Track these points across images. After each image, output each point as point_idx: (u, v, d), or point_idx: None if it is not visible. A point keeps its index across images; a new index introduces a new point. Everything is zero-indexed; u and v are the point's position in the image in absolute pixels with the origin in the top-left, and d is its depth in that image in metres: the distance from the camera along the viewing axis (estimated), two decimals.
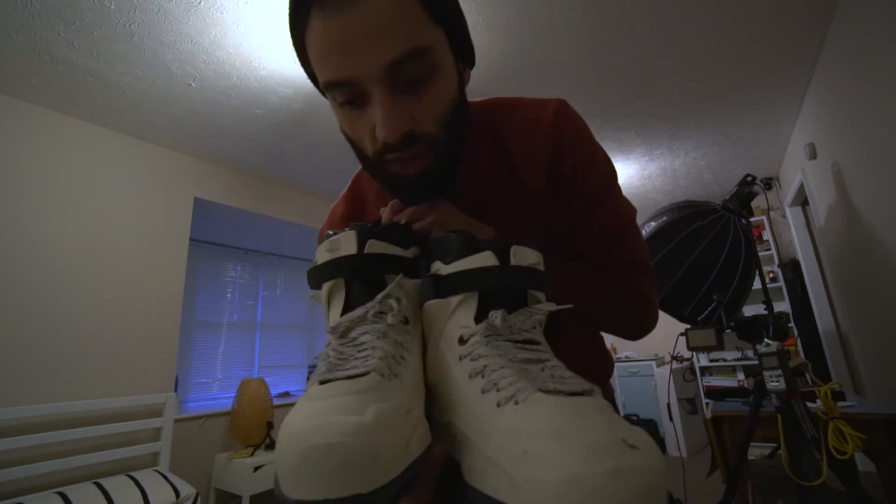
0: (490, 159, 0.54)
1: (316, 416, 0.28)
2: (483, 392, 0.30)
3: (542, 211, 0.55)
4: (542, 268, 0.37)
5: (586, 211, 0.54)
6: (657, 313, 0.62)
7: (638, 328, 0.61)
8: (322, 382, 0.31)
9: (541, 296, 0.37)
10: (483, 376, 0.31)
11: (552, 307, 0.36)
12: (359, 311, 0.38)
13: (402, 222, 0.46)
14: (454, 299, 0.37)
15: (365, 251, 0.38)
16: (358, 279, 0.39)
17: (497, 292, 0.36)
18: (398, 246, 0.39)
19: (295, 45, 0.43)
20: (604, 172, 0.55)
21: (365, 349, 0.36)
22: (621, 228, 0.56)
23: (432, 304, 0.38)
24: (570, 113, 0.54)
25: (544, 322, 0.37)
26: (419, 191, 0.46)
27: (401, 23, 0.37)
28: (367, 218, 0.61)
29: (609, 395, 0.71)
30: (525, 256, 0.36)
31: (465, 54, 0.47)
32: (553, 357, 0.33)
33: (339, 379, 0.31)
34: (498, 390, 0.29)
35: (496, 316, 0.34)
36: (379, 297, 0.37)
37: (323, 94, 0.44)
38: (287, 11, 0.42)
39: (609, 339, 3.87)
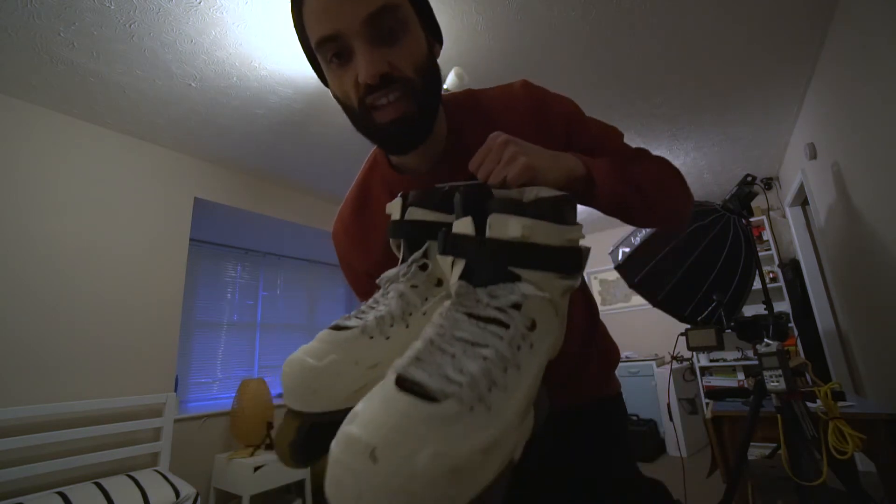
0: (475, 128, 0.58)
1: (302, 351, 0.39)
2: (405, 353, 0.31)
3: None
4: (534, 240, 0.33)
5: (596, 140, 0.62)
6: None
7: (686, 208, 0.66)
8: (332, 328, 0.41)
9: (533, 274, 0.33)
10: (418, 339, 0.31)
11: (533, 291, 0.32)
12: (392, 271, 0.44)
13: (447, 188, 0.47)
14: (448, 260, 0.36)
15: (405, 218, 0.44)
16: (405, 240, 0.45)
17: (475, 262, 0.34)
18: (441, 211, 0.44)
19: (295, 24, 0.54)
20: (579, 108, 0.65)
21: (378, 306, 0.42)
22: (612, 135, 0.65)
23: (441, 260, 0.39)
24: (533, 84, 0.64)
25: (532, 303, 0.32)
26: (399, 136, 0.51)
27: None
28: (372, 211, 0.65)
29: (615, 386, 0.74)
30: (506, 228, 0.33)
31: (432, 29, 0.55)
32: (500, 346, 0.29)
33: (340, 328, 0.40)
34: (400, 356, 0.30)
35: (456, 286, 0.34)
36: (409, 260, 0.43)
37: (321, 77, 0.55)
38: None
39: None
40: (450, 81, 1.99)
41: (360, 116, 0.50)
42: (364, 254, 0.66)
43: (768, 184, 3.78)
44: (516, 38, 1.97)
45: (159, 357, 2.48)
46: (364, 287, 0.68)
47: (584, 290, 0.72)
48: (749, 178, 1.92)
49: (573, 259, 0.34)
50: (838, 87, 2.08)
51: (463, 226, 0.35)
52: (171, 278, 2.61)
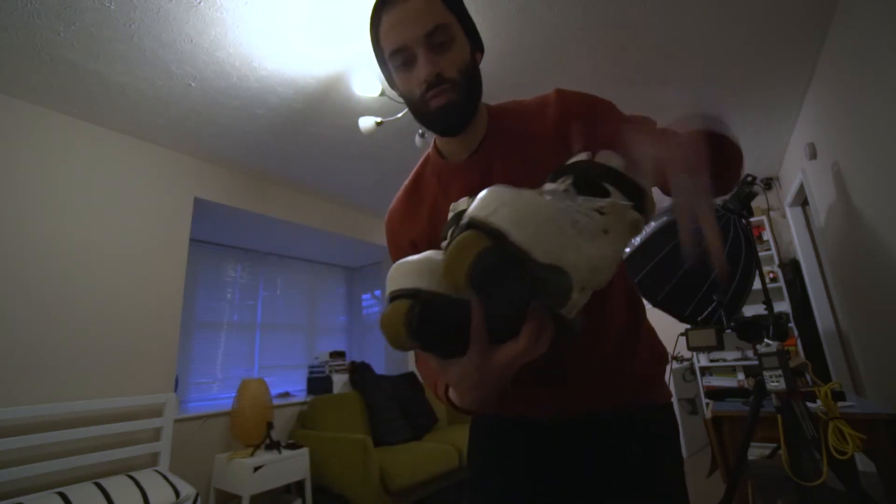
0: (510, 128, 0.71)
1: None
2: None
3: (565, 151, 0.65)
4: (627, 172, 0.47)
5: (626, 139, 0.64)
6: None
7: (739, 167, 0.65)
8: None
9: (617, 194, 0.46)
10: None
11: (613, 202, 0.46)
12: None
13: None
14: (557, 181, 0.49)
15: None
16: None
17: (582, 175, 0.48)
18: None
19: (373, 41, 0.69)
20: (610, 104, 0.73)
21: None
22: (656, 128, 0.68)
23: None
24: (565, 90, 0.72)
25: (610, 213, 0.45)
26: (446, 118, 0.66)
27: (430, 9, 0.62)
28: (421, 193, 0.78)
29: (664, 395, 0.71)
30: (610, 160, 0.48)
31: (474, 39, 0.69)
32: (584, 208, 0.44)
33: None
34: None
35: (562, 185, 0.47)
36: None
37: (391, 81, 0.71)
38: (369, 21, 0.68)
39: None
40: None
41: (420, 105, 0.66)
42: (412, 223, 0.78)
43: (768, 184, 3.78)
44: (516, 38, 1.97)
45: (159, 357, 2.48)
46: (403, 248, 0.81)
47: (629, 290, 0.72)
48: (749, 178, 1.92)
49: (642, 200, 0.47)
50: (838, 88, 2.08)
51: (578, 157, 0.49)
52: (171, 278, 2.61)
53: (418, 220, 0.76)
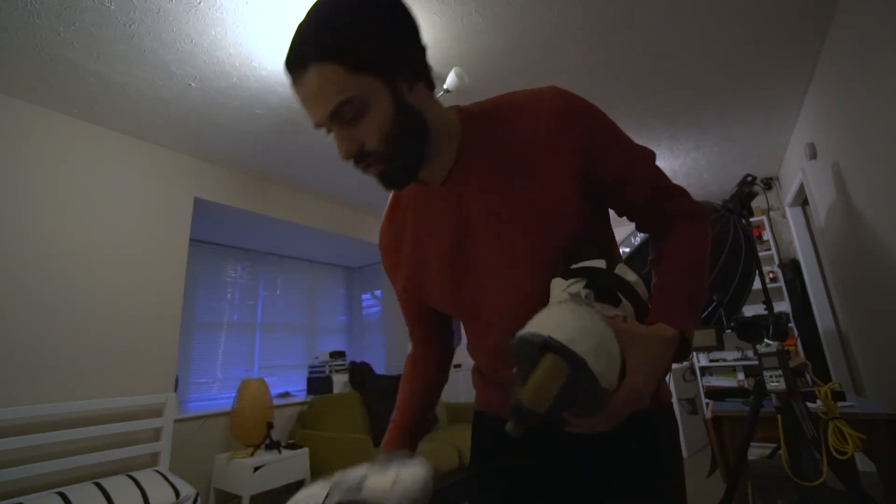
0: (489, 133, 0.64)
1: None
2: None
3: (560, 178, 0.61)
4: (639, 290, 0.55)
5: (628, 167, 0.63)
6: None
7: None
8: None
9: (627, 305, 0.54)
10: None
11: (622, 313, 0.53)
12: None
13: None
14: (571, 280, 0.55)
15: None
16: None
17: (597, 285, 0.54)
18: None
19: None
20: (617, 129, 0.64)
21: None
22: (657, 171, 0.65)
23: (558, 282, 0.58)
24: (566, 91, 0.63)
25: (619, 320, 0.53)
26: (390, 184, 0.62)
27: (326, 88, 0.53)
28: (402, 220, 0.74)
29: (664, 397, 0.71)
30: (627, 274, 0.55)
31: (407, 76, 0.57)
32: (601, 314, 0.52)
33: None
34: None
35: (584, 292, 0.52)
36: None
37: None
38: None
39: None
40: (450, 81, 1.99)
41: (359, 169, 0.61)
42: (397, 259, 0.75)
43: (768, 184, 3.78)
44: (516, 38, 1.97)
45: (159, 357, 2.48)
46: (406, 305, 0.81)
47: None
48: (749, 178, 1.92)
49: (645, 312, 0.57)
50: (838, 88, 2.08)
51: (596, 263, 0.55)
52: (171, 278, 2.61)
53: (402, 256, 0.73)
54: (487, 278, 0.65)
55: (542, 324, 0.46)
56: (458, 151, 0.64)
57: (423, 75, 0.59)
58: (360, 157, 0.57)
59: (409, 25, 0.57)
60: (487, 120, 0.64)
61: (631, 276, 0.54)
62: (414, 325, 0.84)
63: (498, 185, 0.62)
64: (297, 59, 0.53)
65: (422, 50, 0.58)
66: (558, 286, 0.55)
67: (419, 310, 0.80)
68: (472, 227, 0.64)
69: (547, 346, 0.44)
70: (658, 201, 0.65)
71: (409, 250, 0.72)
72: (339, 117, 0.54)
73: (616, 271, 0.54)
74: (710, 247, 0.68)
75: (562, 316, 0.47)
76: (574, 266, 0.56)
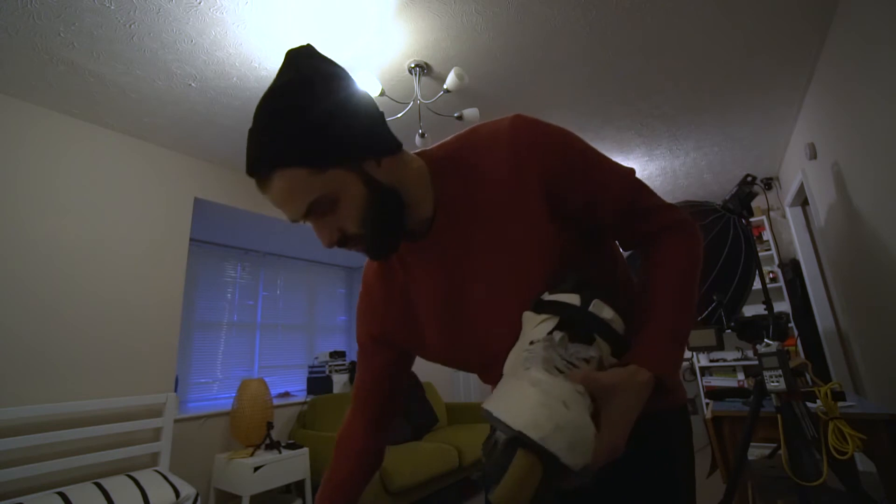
0: (457, 185, 0.63)
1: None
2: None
3: (532, 215, 0.59)
4: (615, 326, 0.52)
5: (594, 189, 0.60)
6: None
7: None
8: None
9: (603, 344, 0.51)
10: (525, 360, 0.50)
11: (598, 353, 0.51)
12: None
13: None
14: (543, 316, 0.53)
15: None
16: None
17: (570, 324, 0.52)
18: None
19: None
20: (581, 150, 0.61)
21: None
22: (634, 194, 0.62)
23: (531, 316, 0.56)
24: (524, 119, 0.61)
25: (597, 363, 0.51)
26: (377, 257, 0.61)
27: (294, 191, 0.53)
28: (397, 280, 0.72)
29: (681, 394, 0.70)
30: (602, 310, 0.52)
31: (375, 154, 0.57)
32: (576, 382, 0.48)
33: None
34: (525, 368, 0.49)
35: (557, 335, 0.50)
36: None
37: None
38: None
39: None
40: (450, 81, 1.99)
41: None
42: (392, 309, 0.73)
43: (768, 184, 3.78)
44: (516, 38, 1.97)
45: (159, 357, 2.48)
46: (365, 345, 0.78)
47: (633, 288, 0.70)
48: (749, 178, 1.92)
49: (623, 347, 0.54)
50: (838, 88, 2.08)
51: (570, 298, 0.53)
52: (171, 278, 2.61)
53: (394, 309, 0.72)
54: (488, 325, 0.64)
55: (514, 413, 0.44)
56: (434, 205, 0.63)
57: (387, 146, 0.58)
58: (343, 242, 0.58)
59: (361, 106, 0.56)
60: (454, 166, 0.63)
61: (607, 313, 0.52)
62: (367, 390, 0.79)
63: (476, 234, 0.62)
64: (258, 167, 0.52)
65: (381, 123, 0.57)
66: (530, 321, 0.54)
67: (384, 373, 0.77)
68: (461, 279, 0.64)
69: (518, 441, 0.43)
70: (634, 219, 0.62)
71: (402, 304, 0.71)
72: (313, 214, 0.55)
73: (591, 308, 0.52)
74: (706, 251, 0.66)
75: (532, 409, 0.43)
76: (547, 298, 0.54)
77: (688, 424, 0.69)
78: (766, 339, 1.48)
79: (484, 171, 0.61)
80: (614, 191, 0.60)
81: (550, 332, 0.50)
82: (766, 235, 3.77)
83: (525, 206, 0.59)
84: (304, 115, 0.52)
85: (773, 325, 1.48)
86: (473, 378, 4.71)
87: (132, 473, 2.06)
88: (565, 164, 0.59)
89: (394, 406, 0.82)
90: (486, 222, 0.61)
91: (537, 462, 0.42)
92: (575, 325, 0.51)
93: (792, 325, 3.31)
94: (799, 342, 3.26)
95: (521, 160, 0.58)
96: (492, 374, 0.67)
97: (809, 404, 1.41)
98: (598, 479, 0.62)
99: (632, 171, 0.63)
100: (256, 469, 2.43)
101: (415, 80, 2.14)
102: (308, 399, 3.29)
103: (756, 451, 2.68)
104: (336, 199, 0.54)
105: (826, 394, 1.41)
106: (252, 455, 2.55)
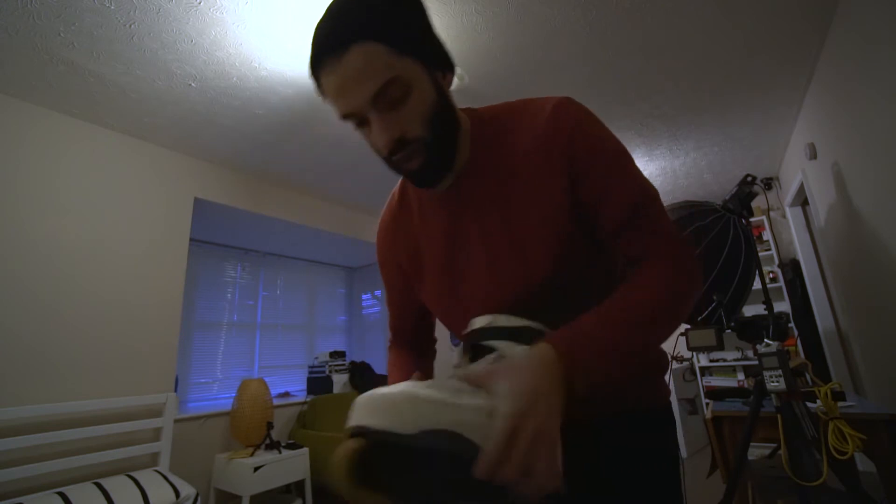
0: (493, 145, 0.62)
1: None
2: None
3: (549, 196, 0.59)
4: (526, 326, 0.54)
5: (606, 186, 0.58)
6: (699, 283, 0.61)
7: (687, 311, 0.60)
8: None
9: (515, 347, 0.51)
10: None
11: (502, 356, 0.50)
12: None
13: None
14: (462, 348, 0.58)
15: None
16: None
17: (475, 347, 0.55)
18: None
19: (320, 94, 0.57)
20: (613, 149, 0.59)
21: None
22: (644, 199, 0.58)
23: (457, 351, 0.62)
24: (571, 102, 0.60)
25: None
26: (423, 179, 0.59)
27: (371, 67, 0.50)
28: (409, 213, 0.72)
29: (664, 393, 0.69)
30: (502, 321, 0.55)
31: (439, 65, 0.57)
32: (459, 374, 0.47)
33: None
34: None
35: (462, 362, 0.54)
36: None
37: None
38: (311, 75, 0.56)
39: None
40: None
41: (389, 165, 0.58)
42: (398, 245, 0.73)
43: (768, 184, 3.78)
44: (516, 38, 1.97)
45: (159, 357, 2.48)
46: (394, 281, 0.77)
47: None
48: (749, 178, 1.92)
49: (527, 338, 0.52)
50: (838, 88, 2.08)
51: (482, 321, 0.58)
52: (171, 278, 2.61)
53: (406, 255, 0.72)
54: (478, 286, 0.64)
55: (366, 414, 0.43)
56: (465, 160, 0.63)
57: (451, 64, 0.59)
58: (402, 146, 0.54)
59: (429, 16, 0.57)
60: (493, 127, 0.63)
61: (513, 321, 0.53)
62: (401, 317, 0.82)
63: (494, 200, 0.61)
64: (336, 41, 0.49)
65: (443, 43, 0.58)
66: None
67: (410, 308, 0.80)
68: (466, 240, 0.64)
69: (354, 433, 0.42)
70: (631, 233, 0.58)
71: (412, 251, 0.71)
72: (383, 100, 0.51)
73: (489, 324, 0.53)
74: (706, 252, 0.64)
75: (354, 407, 0.43)
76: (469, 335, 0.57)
77: (671, 423, 0.68)
78: (766, 339, 1.48)
79: (518, 138, 0.61)
80: (624, 197, 0.57)
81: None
82: (766, 235, 3.77)
83: (547, 180, 0.59)
84: None
85: (773, 325, 1.48)
86: None
87: (132, 473, 2.06)
88: (592, 152, 0.58)
89: (430, 332, 0.84)
90: (508, 194, 0.61)
91: (348, 442, 0.41)
92: (477, 346, 0.52)
93: (792, 325, 3.30)
94: (799, 342, 3.27)
95: (555, 135, 0.58)
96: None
97: (809, 404, 1.41)
98: (585, 480, 0.63)
99: (655, 190, 0.60)
100: (256, 469, 2.43)
101: None
102: (308, 399, 3.29)
103: (756, 451, 2.68)
104: (408, 91, 0.52)
105: (826, 394, 1.41)
106: (252, 455, 2.55)
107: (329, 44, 0.50)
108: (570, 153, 0.57)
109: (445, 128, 0.57)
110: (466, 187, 0.63)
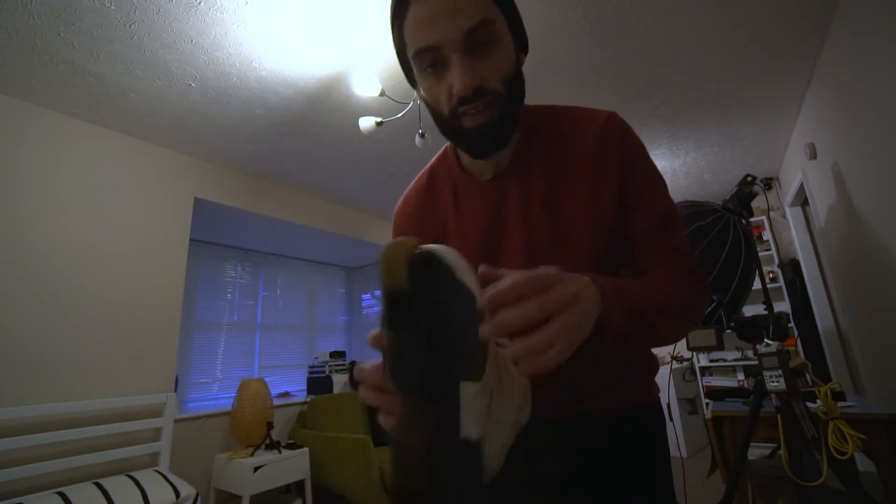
0: (544, 146, 0.63)
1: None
2: None
3: (600, 200, 0.60)
4: None
5: (639, 196, 0.60)
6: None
7: (693, 322, 0.62)
8: None
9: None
10: None
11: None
12: None
13: None
14: None
15: None
16: None
17: None
18: None
19: (393, 31, 0.57)
20: (654, 168, 0.63)
21: None
22: (673, 216, 0.61)
23: None
24: (621, 118, 0.63)
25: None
26: (483, 140, 0.56)
27: (472, 1, 0.50)
28: (435, 199, 0.70)
29: (654, 391, 0.70)
30: None
31: (520, 38, 0.58)
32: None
33: None
34: None
35: None
36: None
37: (410, 79, 0.60)
38: (390, 8, 0.54)
39: None
40: None
41: (449, 121, 0.55)
42: (423, 231, 0.70)
43: (768, 184, 3.78)
44: None
45: (159, 357, 2.48)
46: None
47: None
48: (749, 178, 1.92)
49: None
50: (838, 87, 2.08)
51: None
52: (171, 278, 2.61)
53: (430, 231, 0.69)
54: None
55: None
56: (512, 157, 0.63)
57: (526, 51, 0.59)
58: (477, 95, 0.52)
59: None
60: (546, 127, 0.63)
61: None
62: None
63: (540, 201, 0.61)
64: None
65: None
66: None
67: None
68: (505, 235, 0.63)
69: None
70: (655, 240, 0.60)
71: (437, 230, 0.69)
72: (473, 39, 0.50)
73: None
74: (706, 252, 0.66)
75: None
76: None
77: (661, 420, 0.69)
78: (766, 339, 1.48)
79: (571, 139, 0.61)
80: (657, 209, 0.60)
81: None
82: (766, 235, 3.77)
83: (599, 185, 0.60)
84: None
85: (773, 325, 1.48)
86: None
87: (132, 473, 2.06)
88: (639, 166, 0.61)
89: None
90: (555, 196, 0.61)
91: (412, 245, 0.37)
92: None
93: (792, 325, 3.31)
94: (799, 342, 3.26)
95: (609, 145, 0.60)
96: None
97: (809, 404, 1.41)
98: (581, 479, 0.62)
99: (677, 211, 0.64)
100: (256, 469, 2.43)
101: None
102: (308, 399, 3.29)
103: (756, 451, 2.68)
104: (496, 42, 0.52)
105: (826, 394, 1.41)
106: (252, 455, 2.55)
107: None
108: (622, 164, 0.60)
109: (517, 97, 0.56)
110: (511, 183, 0.63)
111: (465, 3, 0.49)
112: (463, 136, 0.56)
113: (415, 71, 0.56)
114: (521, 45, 0.59)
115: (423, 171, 0.74)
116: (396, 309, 0.37)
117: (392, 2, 0.54)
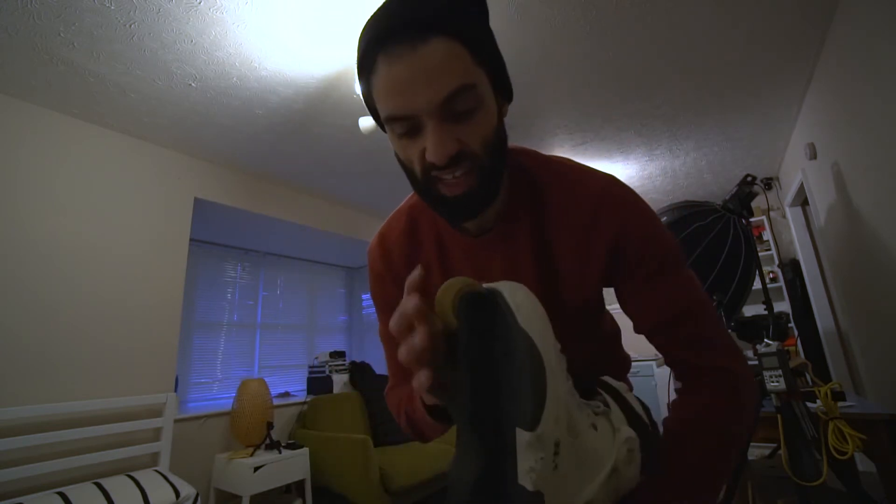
0: (535, 210, 0.58)
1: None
2: None
3: (584, 278, 0.57)
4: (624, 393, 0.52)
5: (646, 284, 0.55)
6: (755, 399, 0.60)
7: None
8: None
9: (615, 407, 0.48)
10: None
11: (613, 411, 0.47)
12: None
13: None
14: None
15: None
16: None
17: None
18: None
19: (362, 85, 0.50)
20: (661, 253, 0.55)
21: None
22: (692, 306, 0.55)
23: None
24: (619, 188, 0.57)
25: (597, 409, 0.46)
26: (463, 209, 0.51)
27: (451, 65, 0.44)
28: (419, 247, 0.64)
29: (629, 386, 0.72)
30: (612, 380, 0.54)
31: (503, 90, 0.53)
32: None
33: None
34: None
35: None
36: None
37: (381, 127, 0.51)
38: (356, 57, 0.48)
39: None
40: None
41: (423, 185, 0.50)
42: (402, 259, 0.65)
43: (768, 184, 3.77)
44: (516, 39, 1.97)
45: (159, 357, 2.47)
46: (393, 300, 0.67)
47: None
48: (749, 178, 1.92)
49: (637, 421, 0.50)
50: (838, 87, 2.08)
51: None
52: (171, 278, 2.61)
53: (412, 263, 0.64)
54: None
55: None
56: (499, 215, 0.58)
57: (510, 100, 0.54)
58: (459, 158, 0.46)
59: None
60: (540, 185, 0.58)
61: (614, 383, 0.52)
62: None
63: (527, 268, 0.58)
64: (415, 28, 0.43)
65: None
66: None
67: None
68: (490, 278, 0.62)
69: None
70: (670, 338, 0.56)
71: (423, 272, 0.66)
72: (451, 107, 0.44)
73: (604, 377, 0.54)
74: (706, 252, 0.64)
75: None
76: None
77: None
78: (766, 339, 1.48)
79: (563, 204, 0.56)
80: (664, 305, 0.55)
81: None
82: (766, 235, 3.77)
83: (585, 264, 0.56)
84: (477, 6, 0.48)
85: (773, 325, 1.48)
86: None
87: (132, 473, 2.06)
88: (637, 257, 0.55)
89: None
90: (543, 262, 0.58)
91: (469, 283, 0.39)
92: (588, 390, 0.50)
93: (792, 325, 3.30)
94: (799, 342, 3.26)
95: (599, 226, 0.54)
96: None
97: (809, 404, 1.41)
98: None
99: (705, 298, 0.57)
100: (256, 469, 2.43)
101: None
102: (308, 399, 3.29)
103: (756, 451, 2.68)
104: (478, 105, 0.46)
105: (826, 394, 1.41)
106: (252, 455, 2.54)
107: (404, 30, 0.43)
108: (615, 250, 0.55)
109: (499, 160, 0.50)
110: (497, 246, 0.59)
111: (441, 68, 0.43)
112: (440, 202, 0.50)
113: (385, 129, 0.51)
114: (506, 97, 0.53)
115: (399, 208, 0.67)
116: (450, 346, 0.38)
117: (357, 52, 0.47)
